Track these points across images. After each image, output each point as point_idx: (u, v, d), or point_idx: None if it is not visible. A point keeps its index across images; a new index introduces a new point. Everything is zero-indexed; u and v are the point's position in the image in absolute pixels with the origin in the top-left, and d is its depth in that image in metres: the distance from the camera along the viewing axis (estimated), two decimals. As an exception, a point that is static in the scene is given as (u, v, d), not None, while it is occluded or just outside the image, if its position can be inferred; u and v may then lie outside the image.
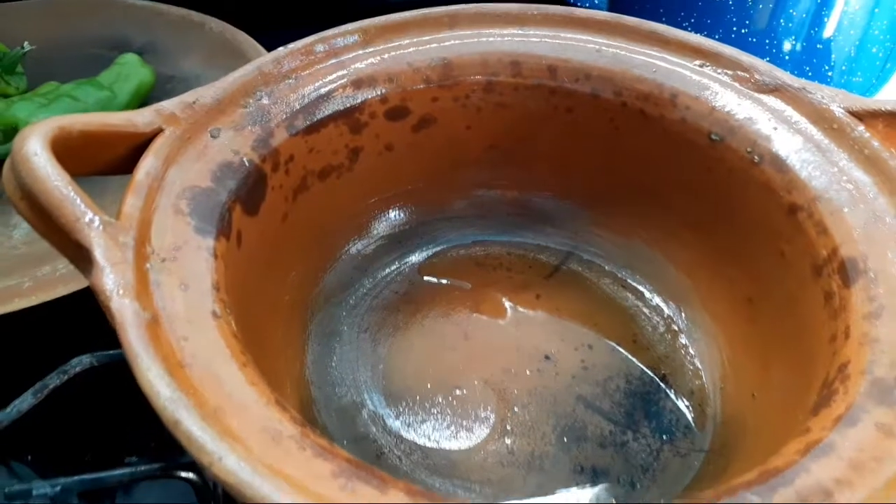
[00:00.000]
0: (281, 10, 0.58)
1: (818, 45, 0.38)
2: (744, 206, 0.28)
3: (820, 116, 0.27)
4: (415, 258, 0.34)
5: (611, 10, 0.43)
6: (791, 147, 0.27)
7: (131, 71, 0.42)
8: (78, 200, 0.21)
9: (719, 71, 0.29)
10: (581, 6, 0.44)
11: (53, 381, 0.30)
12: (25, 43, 0.43)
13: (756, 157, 0.27)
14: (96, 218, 0.21)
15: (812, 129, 0.27)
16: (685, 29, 0.36)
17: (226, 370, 0.19)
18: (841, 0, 0.37)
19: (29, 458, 0.31)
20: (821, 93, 0.27)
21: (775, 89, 0.28)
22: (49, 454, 0.31)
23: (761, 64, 0.29)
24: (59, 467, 0.29)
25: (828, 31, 0.38)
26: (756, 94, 0.28)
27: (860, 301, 0.22)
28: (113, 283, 0.20)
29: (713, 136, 0.29)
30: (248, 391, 0.19)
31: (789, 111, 0.28)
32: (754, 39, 0.38)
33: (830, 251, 0.24)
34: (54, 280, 0.31)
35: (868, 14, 0.37)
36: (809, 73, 0.40)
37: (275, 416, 0.18)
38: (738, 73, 0.29)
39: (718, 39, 0.36)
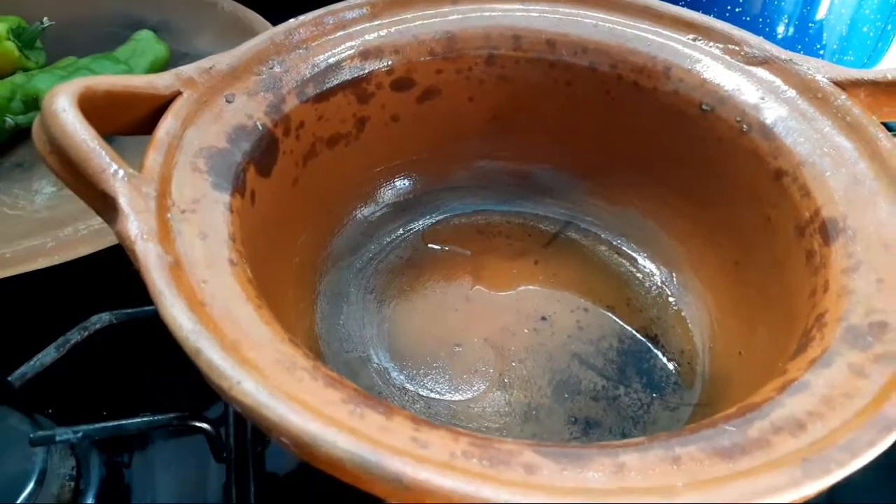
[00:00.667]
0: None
1: (810, 25, 0.39)
2: (733, 174, 0.30)
3: (806, 87, 0.28)
4: (419, 225, 0.35)
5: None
6: (777, 115, 0.28)
7: (147, 46, 0.44)
8: (103, 153, 0.22)
9: (711, 44, 0.31)
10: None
11: (74, 336, 0.31)
12: (45, 18, 0.44)
13: (745, 126, 0.29)
14: (121, 170, 0.22)
15: (798, 99, 0.28)
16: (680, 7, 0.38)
17: (242, 310, 0.21)
18: (833, -20, 0.38)
19: (50, 410, 0.32)
20: (807, 64, 0.28)
21: (765, 61, 0.29)
22: (69, 407, 0.32)
23: (751, 37, 0.30)
24: (79, 420, 0.30)
25: (820, 12, 0.39)
26: (746, 66, 0.30)
27: (839, 257, 0.24)
28: (137, 228, 0.21)
29: (704, 107, 0.30)
30: (263, 329, 0.20)
31: (777, 82, 0.29)
32: (748, 19, 0.39)
33: (813, 212, 0.26)
34: (76, 241, 0.32)
35: (860, -6, 0.38)
36: (801, 52, 0.41)
37: (289, 350, 0.20)
38: (729, 46, 0.30)
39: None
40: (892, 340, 0.20)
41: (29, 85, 0.39)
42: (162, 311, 0.19)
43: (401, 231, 0.35)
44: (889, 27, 0.42)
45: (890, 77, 0.27)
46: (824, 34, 0.40)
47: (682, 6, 0.39)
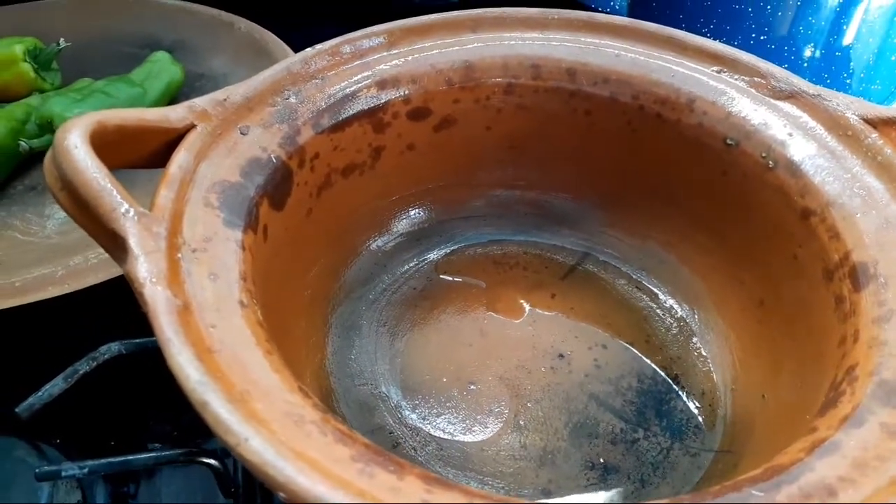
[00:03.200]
0: (308, 11, 0.59)
1: (837, 54, 0.39)
2: (758, 210, 0.29)
3: (835, 123, 0.27)
4: (433, 255, 0.35)
5: (630, 15, 0.43)
6: (805, 153, 0.27)
7: (162, 68, 0.43)
8: (115, 192, 0.22)
9: (736, 77, 0.30)
10: (601, 11, 0.44)
11: (83, 366, 0.31)
12: (61, 40, 0.44)
13: (771, 163, 0.28)
14: (132, 209, 0.22)
15: (826, 136, 0.27)
16: (704, 35, 0.37)
17: (252, 357, 0.20)
18: (860, 9, 0.37)
19: (58, 441, 0.32)
20: (836, 100, 0.28)
21: (791, 96, 0.29)
22: (77, 437, 0.32)
23: (778, 71, 0.29)
24: (86, 451, 0.30)
25: (846, 40, 0.38)
26: (772, 101, 0.29)
27: (870, 305, 0.23)
28: (146, 271, 0.20)
29: (728, 141, 0.29)
30: (272, 377, 0.20)
31: (805, 118, 0.28)
32: (773, 46, 0.38)
33: (842, 256, 0.25)
34: (86, 269, 0.32)
35: (887, 23, 0.37)
36: (828, 81, 0.40)
37: (298, 401, 0.19)
38: (756, 79, 0.29)
39: (737, 46, 0.36)
40: (927, 399, 0.20)
41: (43, 108, 0.39)
42: (169, 360, 0.19)
43: (415, 261, 0.34)
44: (918, 56, 0.41)
45: (923, 116, 0.26)
46: (851, 63, 0.39)
47: (706, 34, 0.38)
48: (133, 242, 0.21)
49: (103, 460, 0.28)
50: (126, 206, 0.22)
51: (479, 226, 0.36)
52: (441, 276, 0.34)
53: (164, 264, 0.21)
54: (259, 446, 0.17)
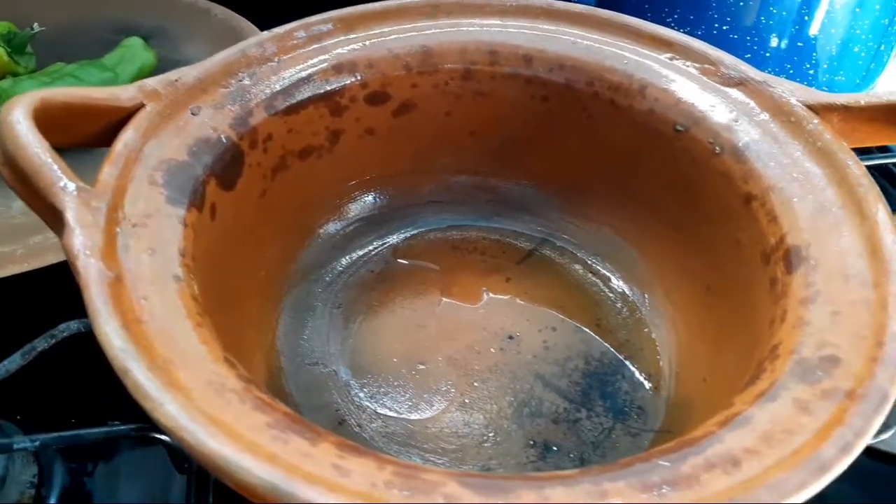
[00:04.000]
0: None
1: (800, 44, 0.39)
2: (706, 196, 0.29)
3: (779, 109, 0.28)
4: (393, 240, 0.35)
5: (598, 4, 0.44)
6: (750, 138, 0.27)
7: (134, 53, 0.44)
8: (55, 166, 0.22)
9: (688, 64, 0.30)
10: None
11: (41, 344, 0.31)
12: (35, 24, 0.44)
13: (717, 148, 0.28)
14: (71, 184, 0.22)
15: (771, 122, 0.28)
16: (668, 25, 0.37)
17: (180, 328, 0.20)
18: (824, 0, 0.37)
19: (19, 417, 0.32)
20: (781, 87, 0.28)
21: (740, 82, 0.29)
22: (37, 414, 0.33)
23: (727, 57, 0.29)
24: (46, 427, 0.30)
25: (811, 31, 0.38)
26: (721, 87, 0.29)
27: (799, 287, 0.23)
28: (81, 244, 0.21)
29: (678, 127, 0.29)
30: (199, 348, 0.20)
31: (751, 104, 0.28)
32: (736, 36, 0.38)
33: (778, 239, 0.25)
34: (45, 248, 0.32)
35: (850, 14, 0.38)
36: (791, 72, 0.40)
37: (221, 371, 0.20)
38: (706, 66, 0.30)
39: (701, 36, 0.37)
40: (840, 376, 0.20)
41: (12, 91, 0.39)
42: (95, 329, 0.19)
43: (374, 245, 0.35)
44: (882, 48, 0.41)
45: (863, 102, 0.26)
46: (815, 54, 0.39)
47: (671, 23, 0.39)
48: (70, 216, 0.21)
49: (55, 434, 0.28)
50: (65, 180, 0.22)
51: (440, 211, 0.36)
52: (399, 261, 0.34)
53: (99, 238, 0.21)
54: (174, 411, 0.17)
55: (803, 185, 0.26)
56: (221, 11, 0.49)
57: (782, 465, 0.18)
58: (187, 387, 0.19)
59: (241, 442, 0.17)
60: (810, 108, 0.27)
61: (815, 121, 0.27)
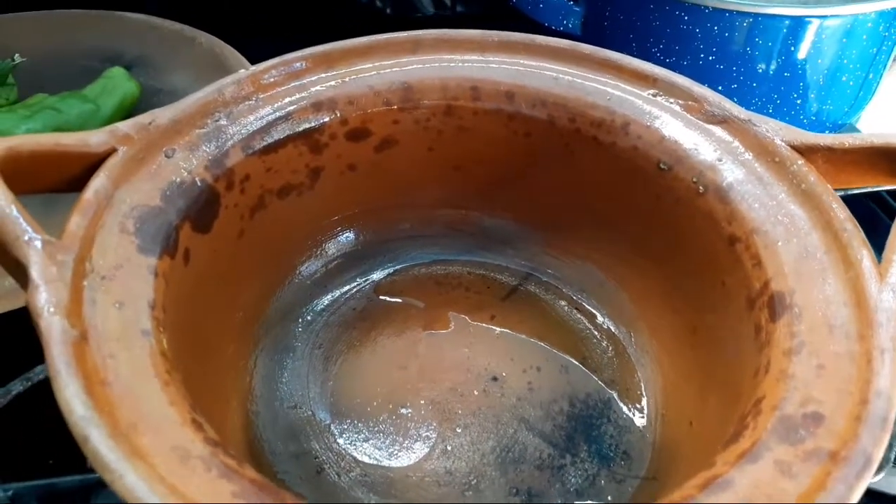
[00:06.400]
0: (277, 26, 0.59)
1: (786, 74, 0.38)
2: (690, 236, 0.29)
3: (763, 149, 0.27)
4: (376, 276, 0.34)
5: (583, 35, 0.43)
6: (734, 178, 0.27)
7: (117, 84, 0.43)
8: (20, 219, 0.22)
9: (671, 100, 0.30)
10: (555, 30, 0.44)
11: (17, 387, 0.31)
12: (16, 55, 0.44)
13: (701, 188, 0.28)
14: (36, 236, 0.22)
15: (754, 162, 0.27)
16: (654, 56, 0.37)
17: (147, 389, 0.20)
18: (811, 29, 0.37)
19: (-7, 461, 0.32)
20: (766, 125, 0.27)
21: (723, 120, 0.29)
22: (13, 458, 0.32)
23: (711, 95, 0.29)
24: (22, 470, 0.29)
25: (798, 59, 0.38)
26: (705, 125, 0.29)
27: (783, 336, 0.23)
28: (44, 300, 0.20)
29: (662, 165, 0.29)
30: (165, 411, 0.20)
31: (735, 143, 0.28)
32: (723, 66, 0.38)
33: (762, 284, 0.25)
34: (20, 290, 0.32)
35: (838, 43, 0.37)
36: (779, 101, 0.40)
37: (188, 435, 0.19)
38: (689, 102, 0.29)
39: (687, 66, 0.36)
40: (823, 435, 0.19)
41: (-9, 126, 0.39)
42: (56, 392, 0.19)
43: (357, 282, 0.34)
44: (871, 76, 0.40)
45: (847, 144, 0.26)
46: (801, 83, 0.39)
47: (657, 54, 0.38)
48: (34, 271, 0.21)
49: (29, 483, 0.28)
50: (30, 233, 0.21)
51: (424, 245, 0.35)
52: (381, 297, 0.34)
53: (65, 293, 0.21)
54: (132, 483, 0.17)
55: (788, 229, 0.25)
56: (206, 39, 0.48)
57: (762, 534, 0.17)
58: (150, 454, 0.18)
59: (203, 516, 0.17)
60: (795, 148, 0.27)
61: (800, 161, 0.26)
